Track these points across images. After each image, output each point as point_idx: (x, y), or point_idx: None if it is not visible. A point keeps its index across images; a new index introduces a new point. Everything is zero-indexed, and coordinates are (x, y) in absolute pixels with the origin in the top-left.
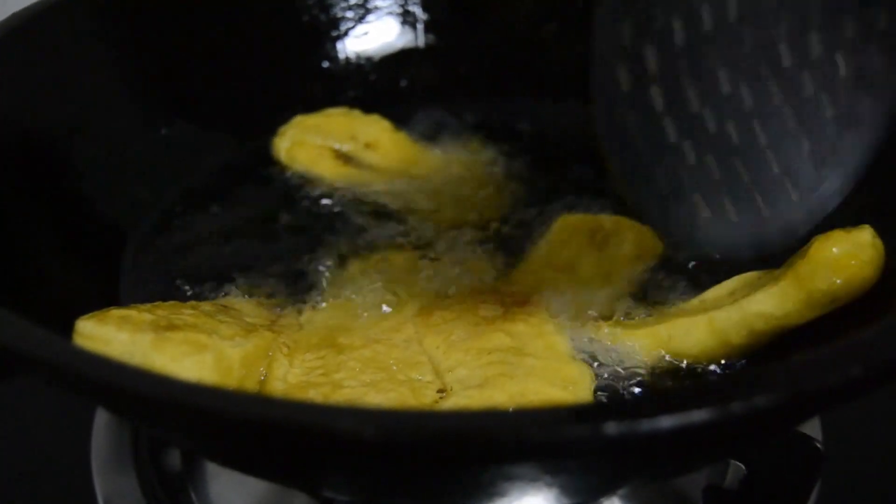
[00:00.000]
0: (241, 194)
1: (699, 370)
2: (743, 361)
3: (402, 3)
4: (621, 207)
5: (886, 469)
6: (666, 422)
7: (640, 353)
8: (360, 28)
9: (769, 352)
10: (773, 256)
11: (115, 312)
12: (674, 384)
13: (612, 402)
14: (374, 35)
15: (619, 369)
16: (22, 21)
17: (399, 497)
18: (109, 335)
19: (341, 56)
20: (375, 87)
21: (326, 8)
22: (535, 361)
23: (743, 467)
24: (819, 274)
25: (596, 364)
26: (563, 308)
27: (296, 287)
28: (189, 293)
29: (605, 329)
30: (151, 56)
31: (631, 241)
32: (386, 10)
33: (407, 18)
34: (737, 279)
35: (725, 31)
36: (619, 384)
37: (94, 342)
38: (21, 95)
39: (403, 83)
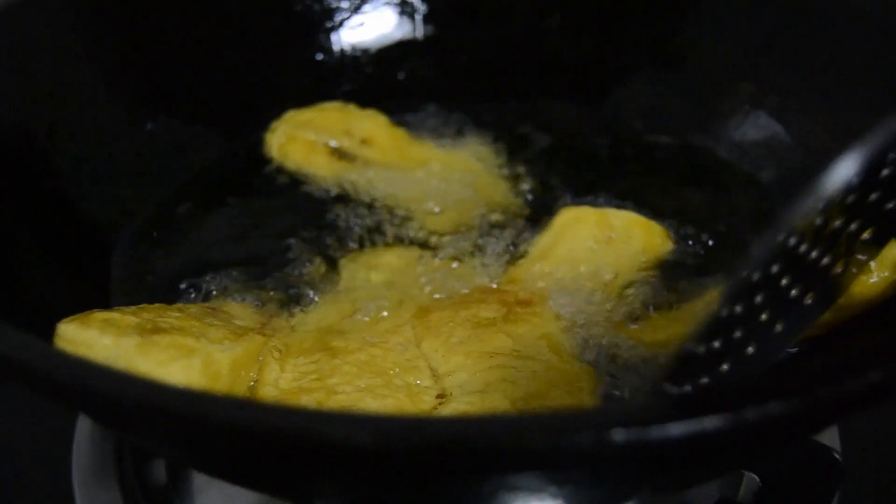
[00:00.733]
0: (230, 193)
1: None
2: None
3: None
4: (624, 203)
5: None
6: (676, 429)
7: (649, 355)
8: (356, 18)
9: (785, 357)
10: None
11: (99, 315)
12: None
13: (619, 406)
14: (371, 26)
15: (627, 371)
16: None
17: None
18: (92, 339)
19: (336, 48)
20: (372, 80)
21: None
22: (538, 364)
23: (757, 479)
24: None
25: (602, 366)
26: (567, 306)
27: (287, 289)
28: (176, 295)
29: (612, 329)
30: (135, 48)
31: (639, 237)
32: (383, 0)
33: (405, 9)
34: None
35: None
36: (626, 388)
37: (76, 346)
38: None
39: (401, 76)
